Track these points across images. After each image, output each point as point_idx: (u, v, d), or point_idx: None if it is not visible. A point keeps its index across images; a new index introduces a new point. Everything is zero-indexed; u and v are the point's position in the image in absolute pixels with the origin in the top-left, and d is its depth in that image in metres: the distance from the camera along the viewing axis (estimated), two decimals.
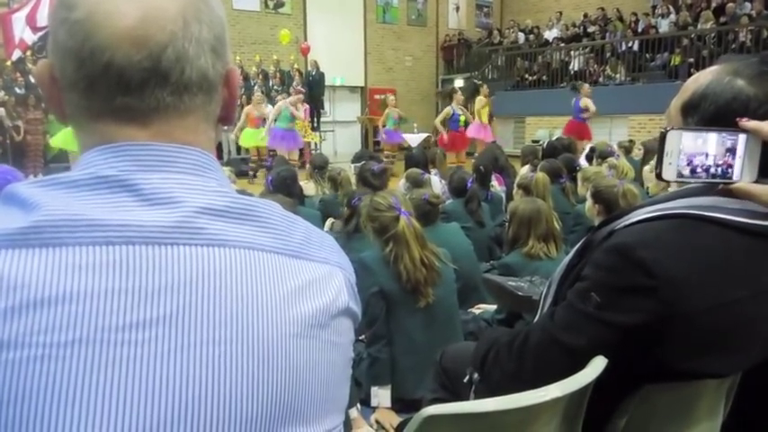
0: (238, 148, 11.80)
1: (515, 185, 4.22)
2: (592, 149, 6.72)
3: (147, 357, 0.51)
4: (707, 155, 0.96)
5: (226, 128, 9.57)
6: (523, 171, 4.96)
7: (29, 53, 10.13)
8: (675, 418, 1.05)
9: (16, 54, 10.39)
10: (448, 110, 10.23)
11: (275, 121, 9.46)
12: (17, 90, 10.31)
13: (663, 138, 0.98)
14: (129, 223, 0.53)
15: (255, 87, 12.46)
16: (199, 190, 0.58)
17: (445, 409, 0.82)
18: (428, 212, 2.91)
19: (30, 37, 9.53)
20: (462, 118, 10.13)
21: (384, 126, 11.28)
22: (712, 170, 0.97)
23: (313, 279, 0.62)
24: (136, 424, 0.49)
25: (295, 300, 0.59)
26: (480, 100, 10.30)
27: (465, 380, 1.36)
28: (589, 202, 3.22)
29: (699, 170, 0.97)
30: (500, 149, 6.72)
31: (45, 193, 0.53)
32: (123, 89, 0.56)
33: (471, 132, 10.13)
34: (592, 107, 9.34)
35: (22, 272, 0.49)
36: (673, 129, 0.98)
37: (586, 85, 9.83)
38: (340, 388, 0.65)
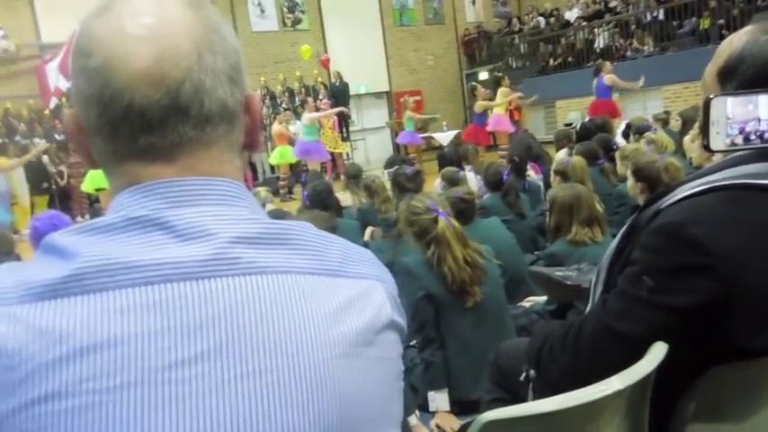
0: (272, 167, 11.97)
1: (552, 172, 4.15)
2: (628, 126, 6.56)
3: (197, 394, 0.51)
4: (759, 119, 0.91)
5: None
6: (559, 156, 4.86)
7: (64, 99, 10.50)
8: (745, 397, 1.00)
9: (53, 102, 10.81)
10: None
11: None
12: (57, 136, 10.66)
13: (707, 106, 0.93)
14: (166, 261, 0.53)
15: (282, 105, 12.65)
16: (230, 220, 0.57)
17: (504, 413, 0.80)
18: (465, 210, 2.88)
19: (64, 84, 9.90)
20: (489, 112, 10.09)
21: (403, 129, 11.37)
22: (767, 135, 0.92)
23: (354, 296, 0.61)
24: None
25: (337, 320, 0.58)
26: (503, 91, 10.21)
27: (522, 378, 1.33)
28: (630, 181, 3.14)
29: (753, 136, 0.92)
30: (532, 137, 6.63)
31: (81, 241, 0.54)
32: (146, 129, 0.56)
33: (490, 125, 10.05)
34: (620, 82, 9.10)
35: (66, 321, 0.50)
36: (716, 96, 0.93)
37: (607, 63, 9.59)
38: (392, 402, 0.64)
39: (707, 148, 0.95)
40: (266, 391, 0.53)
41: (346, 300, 0.60)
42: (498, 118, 10.07)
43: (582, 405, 0.80)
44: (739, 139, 0.92)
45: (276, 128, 10.35)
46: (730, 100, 0.92)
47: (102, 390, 0.49)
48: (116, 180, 0.59)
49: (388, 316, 0.63)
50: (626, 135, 6.43)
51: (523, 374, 1.31)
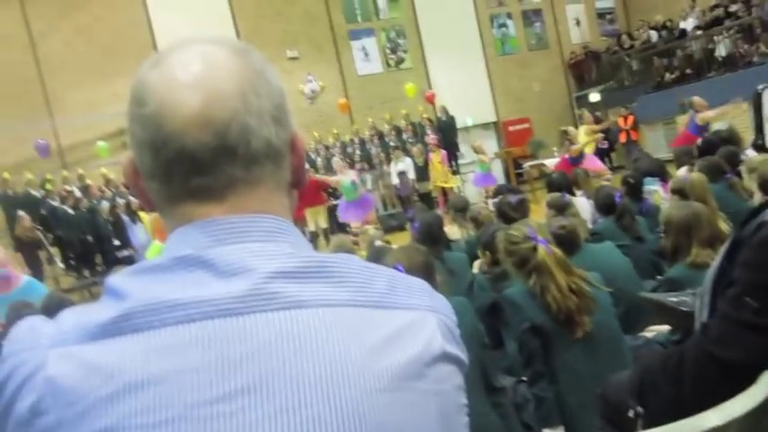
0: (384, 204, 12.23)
1: (669, 191, 3.88)
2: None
3: (237, 428, 0.52)
4: None
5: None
6: (678, 174, 4.55)
7: None
8: None
9: None
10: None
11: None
12: None
13: (757, 100, 0.83)
14: (207, 298, 0.55)
15: (390, 144, 12.93)
16: (270, 255, 0.59)
17: None
18: (567, 238, 2.75)
19: None
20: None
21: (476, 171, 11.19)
22: None
23: (400, 328, 0.59)
24: None
25: (380, 352, 0.57)
26: (585, 129, 9.70)
27: (630, 414, 1.24)
28: (757, 195, 2.87)
29: None
30: (648, 156, 6.25)
31: (132, 282, 0.58)
32: (197, 170, 0.60)
33: (584, 164, 9.42)
34: (711, 115, 8.21)
35: (116, 359, 0.53)
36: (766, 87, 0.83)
37: (698, 99, 8.68)
38: None
39: (761, 147, 0.84)
40: (305, 425, 0.53)
41: (392, 331, 0.59)
42: (589, 158, 9.36)
43: None
44: None
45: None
46: None
47: (149, 425, 0.51)
48: (170, 221, 0.63)
49: (440, 347, 0.61)
50: (758, 147, 5.90)
51: (631, 411, 1.22)
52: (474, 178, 11.31)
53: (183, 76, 0.60)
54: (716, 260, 1.03)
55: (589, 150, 9.73)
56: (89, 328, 0.55)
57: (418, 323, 0.61)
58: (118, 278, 0.59)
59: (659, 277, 3.51)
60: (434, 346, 0.60)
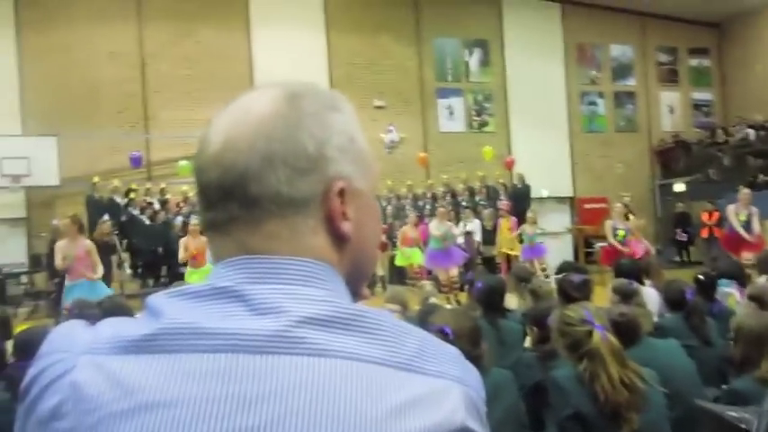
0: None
1: (747, 297, 3.65)
2: None
3: None
4: None
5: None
6: (758, 281, 4.29)
7: None
8: None
9: None
10: (608, 224, 9.57)
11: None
12: None
13: None
14: (236, 332, 0.56)
15: (463, 203, 12.92)
16: (305, 300, 0.59)
17: None
18: (627, 328, 2.62)
19: None
20: (621, 232, 9.33)
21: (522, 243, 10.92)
22: None
23: (423, 394, 0.57)
24: None
25: (398, 416, 0.55)
26: (633, 221, 9.49)
27: None
28: None
29: None
30: (728, 256, 5.94)
31: (171, 304, 0.59)
32: (207, 205, 0.65)
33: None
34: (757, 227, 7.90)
35: (139, 376, 0.54)
36: None
37: (745, 191, 8.41)
38: None
39: None
40: None
41: (413, 397, 0.56)
42: (633, 243, 9.33)
43: None
44: None
45: (404, 230, 10.83)
46: None
47: None
48: (210, 249, 0.66)
49: (461, 421, 0.58)
50: None
51: None
52: (523, 250, 11.04)
53: (223, 119, 0.65)
54: None
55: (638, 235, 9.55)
56: (122, 341, 0.57)
57: (443, 392, 0.58)
58: (158, 298, 0.61)
59: (724, 387, 3.28)
60: (455, 419, 0.57)
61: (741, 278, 4.98)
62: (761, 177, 13.52)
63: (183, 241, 8.82)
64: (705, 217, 12.46)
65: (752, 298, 3.52)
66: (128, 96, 12.95)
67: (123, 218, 11.31)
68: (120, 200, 11.64)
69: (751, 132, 14.97)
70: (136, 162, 12.20)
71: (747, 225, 8.34)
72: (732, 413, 1.63)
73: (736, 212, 8.43)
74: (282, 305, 0.58)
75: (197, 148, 0.66)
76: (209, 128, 0.66)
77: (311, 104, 0.65)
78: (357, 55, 14.47)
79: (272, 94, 0.65)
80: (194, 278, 8.42)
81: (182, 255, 8.75)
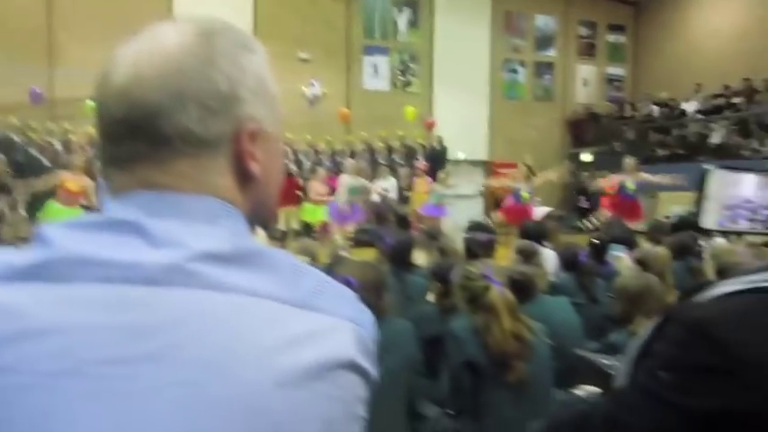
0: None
1: (633, 260, 3.96)
2: None
3: (127, 393, 0.52)
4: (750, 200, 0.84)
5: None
6: (645, 246, 4.64)
7: None
8: None
9: None
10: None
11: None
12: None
13: (702, 178, 0.87)
14: (130, 263, 0.56)
15: (379, 160, 13.01)
16: (205, 236, 0.59)
17: None
18: (523, 286, 2.79)
19: None
20: (525, 194, 9.85)
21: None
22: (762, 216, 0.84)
23: (316, 329, 0.59)
24: None
25: (288, 349, 0.57)
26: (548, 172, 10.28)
27: None
28: None
29: (744, 219, 0.85)
30: (622, 224, 6.37)
31: (63, 233, 0.58)
32: (110, 140, 0.63)
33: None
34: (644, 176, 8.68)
35: (25, 303, 0.53)
36: (714, 167, 0.87)
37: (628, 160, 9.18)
38: None
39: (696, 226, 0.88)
40: (196, 402, 0.53)
41: (306, 331, 0.59)
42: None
43: None
44: (733, 221, 0.85)
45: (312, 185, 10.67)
46: (730, 176, 0.85)
47: (40, 372, 0.51)
48: (109, 184, 0.64)
49: (349, 355, 0.60)
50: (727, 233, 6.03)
51: None
52: (424, 207, 11.27)
53: (130, 51, 0.63)
54: (645, 330, 1.06)
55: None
56: (8, 269, 0.55)
57: (335, 329, 0.61)
58: (51, 227, 0.59)
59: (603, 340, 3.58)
60: (344, 354, 0.60)
61: (631, 243, 5.38)
62: (659, 152, 14.42)
63: (62, 174, 8.28)
64: (605, 184, 13.17)
65: (637, 261, 3.81)
66: (31, 27, 11.93)
67: (19, 158, 10.57)
68: (17, 138, 10.85)
69: (655, 109, 15.86)
70: (36, 98, 11.36)
71: (635, 194, 8.97)
72: (604, 360, 1.79)
73: (623, 181, 9.04)
74: (181, 239, 0.58)
75: (98, 80, 0.63)
76: (113, 58, 0.63)
77: (225, 43, 0.64)
78: (285, 1, 13.99)
79: (185, 29, 0.64)
80: (56, 214, 7.91)
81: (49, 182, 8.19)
